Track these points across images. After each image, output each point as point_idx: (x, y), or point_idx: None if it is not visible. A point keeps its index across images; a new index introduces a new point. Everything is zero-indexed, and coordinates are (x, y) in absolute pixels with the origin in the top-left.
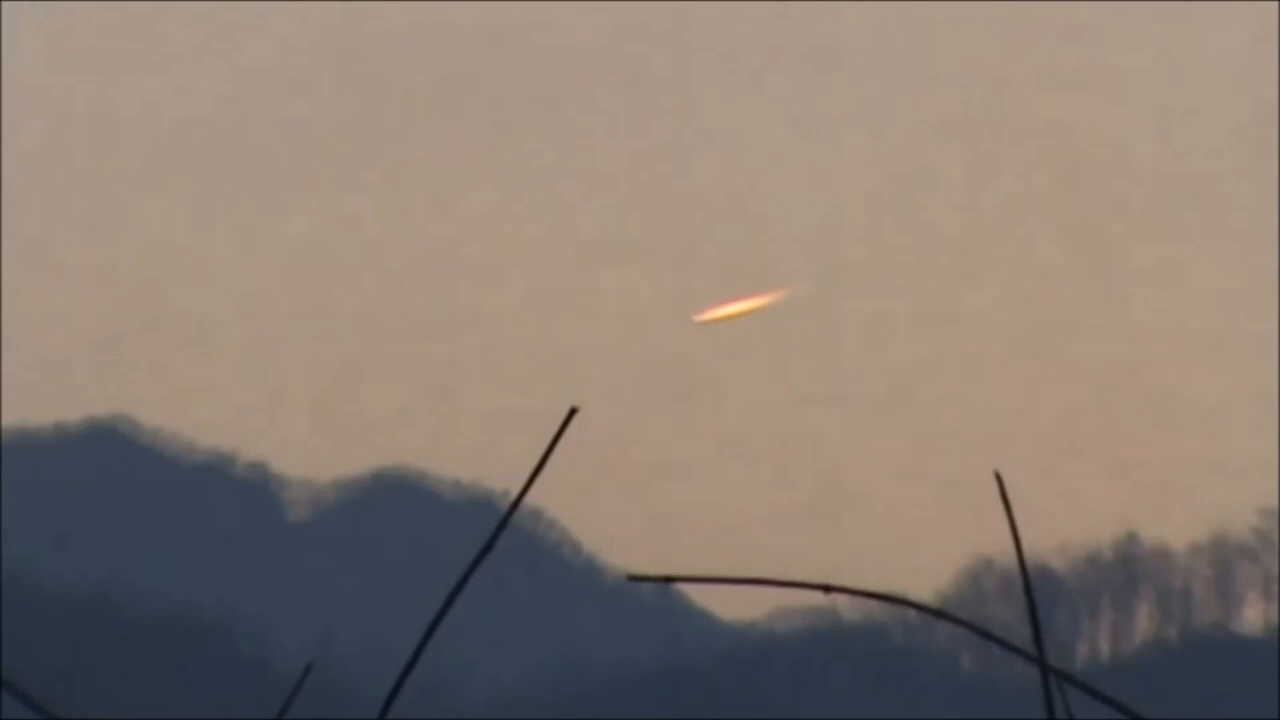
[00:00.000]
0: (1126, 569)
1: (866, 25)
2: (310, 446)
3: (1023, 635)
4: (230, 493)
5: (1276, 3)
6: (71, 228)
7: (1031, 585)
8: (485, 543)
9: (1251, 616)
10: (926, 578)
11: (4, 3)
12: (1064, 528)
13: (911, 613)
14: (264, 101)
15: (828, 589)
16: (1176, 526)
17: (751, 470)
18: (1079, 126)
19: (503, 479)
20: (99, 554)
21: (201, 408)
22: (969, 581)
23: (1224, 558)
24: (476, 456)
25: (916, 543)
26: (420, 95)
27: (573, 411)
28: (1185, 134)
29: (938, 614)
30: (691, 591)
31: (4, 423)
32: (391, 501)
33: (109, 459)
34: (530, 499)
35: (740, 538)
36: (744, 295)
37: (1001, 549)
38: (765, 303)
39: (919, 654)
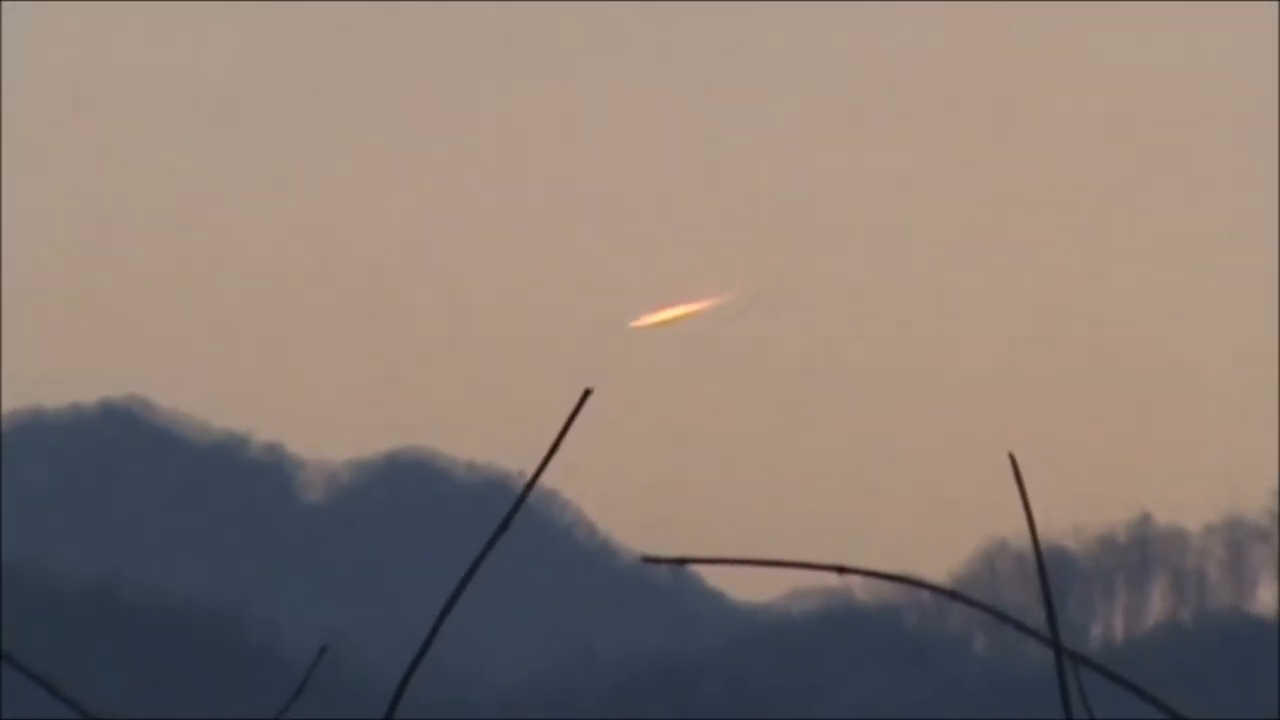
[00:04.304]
0: (1140, 550)
1: (834, 24)
2: (325, 427)
3: (1036, 617)
4: (244, 473)
5: (1276, 2)
6: (86, 210)
7: (1045, 567)
8: (499, 524)
9: (1265, 598)
10: (940, 559)
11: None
12: (1078, 509)
13: (925, 594)
14: (278, 80)
15: (841, 570)
16: (1190, 508)
17: (765, 452)
18: (1080, 116)
19: (517, 460)
20: (113, 534)
21: (216, 389)
22: (983, 563)
23: (1238, 539)
24: (490, 438)
25: (930, 524)
26: (430, 81)
27: (587, 393)
28: (1191, 114)
29: (951, 595)
30: (705, 573)
31: (19, 404)
32: (405, 482)
33: (124, 439)
34: (545, 480)
35: (754, 519)
36: (683, 300)
37: (1015, 530)
38: (702, 308)
39: (933, 635)
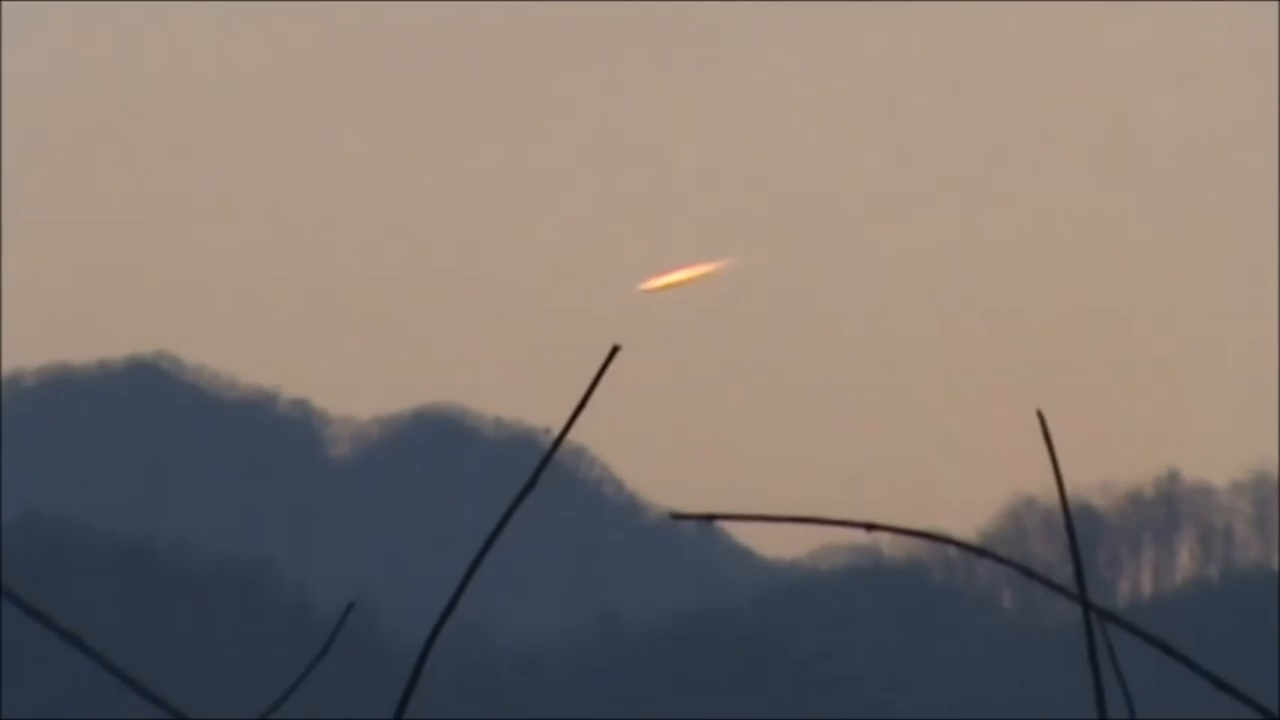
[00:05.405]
0: (1168, 507)
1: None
2: (352, 384)
3: (1064, 573)
4: (272, 430)
5: (1276, 2)
6: (116, 167)
7: (1073, 523)
8: (527, 481)
9: None
10: (968, 516)
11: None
12: (1106, 465)
13: (953, 551)
14: (310, 49)
15: (870, 527)
16: (1218, 464)
17: (793, 408)
18: (1094, 85)
19: (544, 417)
20: (141, 490)
21: (244, 345)
22: (1010, 520)
23: (1265, 495)
24: (518, 395)
25: (958, 481)
26: (460, 59)
27: (615, 350)
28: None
29: (979, 552)
30: (733, 529)
31: (47, 360)
32: (433, 439)
33: (151, 396)
34: (572, 437)
35: (782, 476)
36: (690, 263)
37: (1043, 487)
38: (712, 270)
39: (960, 592)
